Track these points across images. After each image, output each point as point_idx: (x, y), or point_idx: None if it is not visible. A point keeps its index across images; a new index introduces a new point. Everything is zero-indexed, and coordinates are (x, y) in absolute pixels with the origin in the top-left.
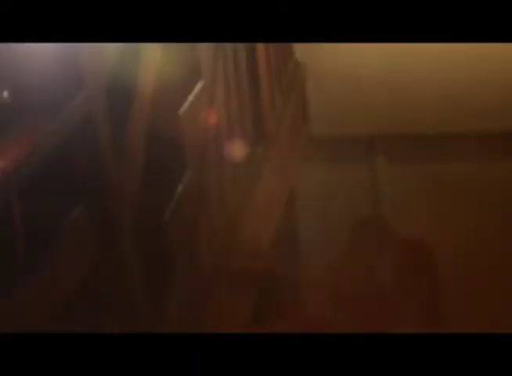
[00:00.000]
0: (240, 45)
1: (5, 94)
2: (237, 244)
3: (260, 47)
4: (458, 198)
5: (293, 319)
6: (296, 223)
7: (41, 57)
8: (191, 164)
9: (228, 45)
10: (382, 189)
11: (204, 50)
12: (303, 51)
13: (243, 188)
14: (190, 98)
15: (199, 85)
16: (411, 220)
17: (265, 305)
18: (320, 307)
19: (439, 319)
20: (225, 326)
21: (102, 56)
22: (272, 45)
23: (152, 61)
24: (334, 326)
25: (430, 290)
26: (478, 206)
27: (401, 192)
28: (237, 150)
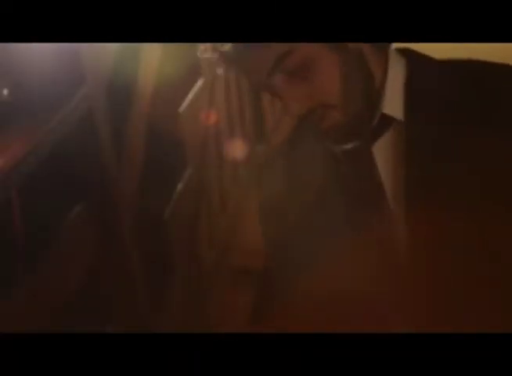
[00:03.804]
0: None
1: (5, 92)
2: (237, 243)
3: None
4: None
5: (292, 319)
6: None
7: (41, 55)
8: (191, 162)
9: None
10: None
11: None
12: None
13: (243, 186)
14: (190, 96)
15: (199, 84)
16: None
17: (266, 305)
18: (320, 307)
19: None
20: (225, 326)
21: (103, 54)
22: None
23: (152, 59)
24: (335, 325)
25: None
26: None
27: None
28: (237, 148)
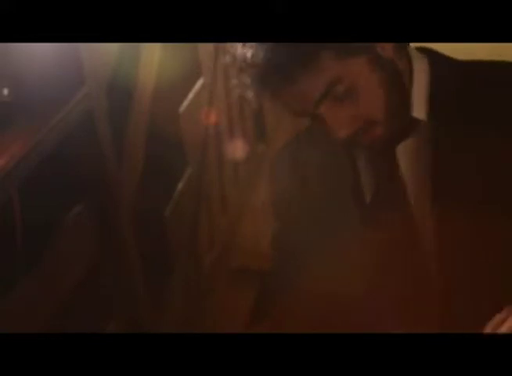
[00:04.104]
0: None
1: (5, 92)
2: (238, 243)
3: None
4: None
5: (293, 319)
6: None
7: (41, 55)
8: (191, 162)
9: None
10: None
11: (204, 48)
12: None
13: (243, 186)
14: (190, 96)
15: (199, 83)
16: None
17: (266, 305)
18: (321, 307)
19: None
20: (225, 326)
21: (103, 54)
22: None
23: (152, 59)
24: (334, 326)
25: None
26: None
27: None
28: (238, 147)
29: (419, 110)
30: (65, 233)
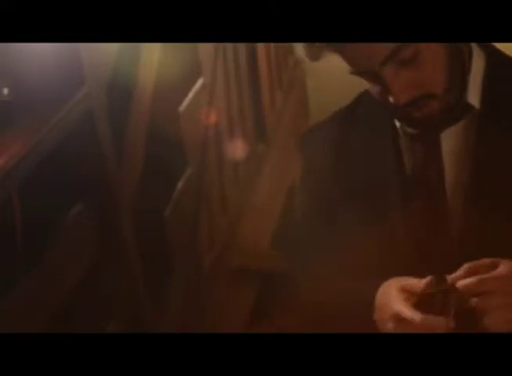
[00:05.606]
0: (241, 43)
1: (5, 92)
2: (238, 243)
3: (260, 44)
4: None
5: (293, 319)
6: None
7: (41, 55)
8: (191, 162)
9: (229, 43)
10: None
11: (204, 48)
12: None
13: (243, 186)
14: (191, 96)
15: (199, 83)
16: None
17: (266, 305)
18: (321, 306)
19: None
20: (225, 326)
21: (103, 54)
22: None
23: (152, 59)
24: (335, 326)
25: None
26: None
27: None
28: (237, 147)
29: (473, 97)
30: (65, 232)
